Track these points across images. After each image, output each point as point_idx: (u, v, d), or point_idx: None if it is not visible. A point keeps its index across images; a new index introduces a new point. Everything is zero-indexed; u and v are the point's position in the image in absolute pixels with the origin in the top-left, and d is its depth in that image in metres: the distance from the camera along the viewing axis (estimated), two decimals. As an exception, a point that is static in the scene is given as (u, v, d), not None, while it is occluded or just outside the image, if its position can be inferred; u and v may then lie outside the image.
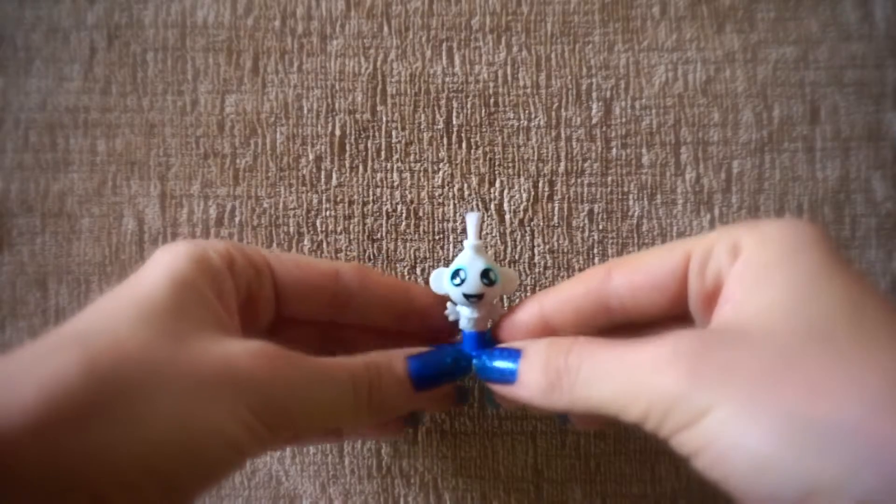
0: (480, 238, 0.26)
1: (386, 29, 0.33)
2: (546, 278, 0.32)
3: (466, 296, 0.26)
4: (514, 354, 0.24)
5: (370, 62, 0.33)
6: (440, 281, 0.26)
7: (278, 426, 0.22)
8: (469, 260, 0.26)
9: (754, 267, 0.21)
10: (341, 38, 0.33)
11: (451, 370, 0.26)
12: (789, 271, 0.20)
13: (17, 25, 0.33)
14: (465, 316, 0.27)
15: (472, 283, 0.26)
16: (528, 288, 0.32)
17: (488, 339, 0.27)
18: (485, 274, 0.26)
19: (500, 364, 0.25)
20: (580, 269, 0.32)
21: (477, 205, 0.32)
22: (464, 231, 0.32)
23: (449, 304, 0.27)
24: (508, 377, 0.24)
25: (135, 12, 0.33)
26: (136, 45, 0.33)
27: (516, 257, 0.32)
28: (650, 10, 0.33)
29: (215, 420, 0.20)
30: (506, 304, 0.32)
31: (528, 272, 0.32)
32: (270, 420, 0.21)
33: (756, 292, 0.20)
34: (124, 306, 0.21)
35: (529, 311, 0.26)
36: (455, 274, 0.26)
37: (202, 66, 0.33)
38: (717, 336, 0.20)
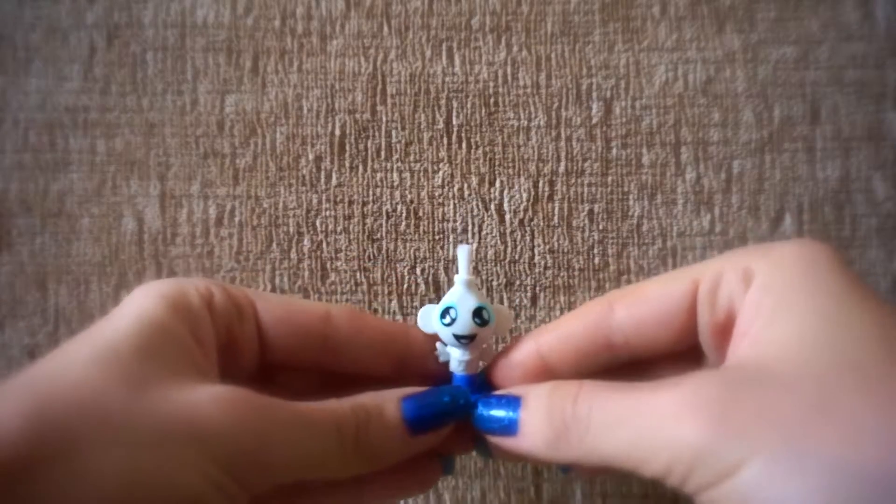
0: (472, 273, 0.24)
1: (386, 29, 0.33)
2: (546, 278, 0.32)
3: (457, 336, 0.24)
4: (514, 402, 0.22)
5: (370, 62, 0.33)
6: (429, 319, 0.25)
7: (251, 481, 0.20)
8: (459, 297, 0.24)
9: (770, 294, 0.19)
10: (341, 38, 0.33)
11: (450, 410, 0.23)
12: (810, 298, 0.19)
13: (17, 25, 0.33)
14: (455, 358, 0.25)
15: (464, 323, 0.24)
16: (528, 287, 0.32)
17: (481, 382, 0.25)
18: (477, 313, 0.24)
19: (499, 413, 0.23)
20: (580, 270, 0.32)
21: (477, 205, 0.32)
22: (464, 231, 0.32)
23: (439, 344, 0.25)
24: (508, 428, 0.22)
25: (134, 12, 0.33)
26: (135, 44, 0.33)
27: (516, 257, 0.32)
28: (650, 10, 0.33)
29: (172, 476, 0.18)
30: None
31: (528, 272, 0.32)
32: (240, 473, 0.19)
33: (776, 323, 0.19)
34: (84, 351, 0.20)
35: (525, 351, 0.24)
36: (445, 312, 0.24)
37: (202, 65, 0.33)
38: (740, 377, 0.19)
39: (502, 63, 0.33)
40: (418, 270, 0.32)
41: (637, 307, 0.22)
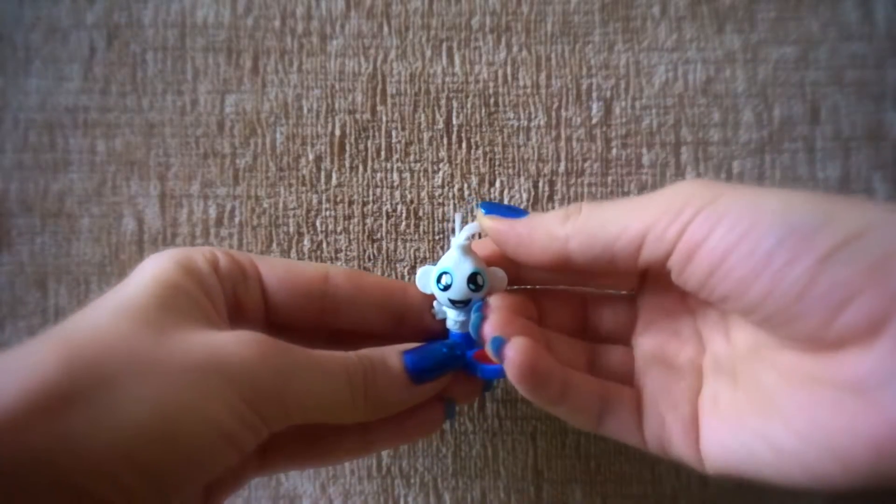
0: (469, 238, 0.25)
1: (386, 29, 0.33)
2: (546, 278, 0.32)
3: (452, 301, 0.25)
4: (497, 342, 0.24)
5: (370, 62, 0.33)
6: (426, 280, 0.26)
7: (272, 416, 0.21)
8: (455, 262, 0.25)
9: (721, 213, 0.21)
10: (341, 38, 0.33)
11: (447, 361, 0.25)
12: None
13: (17, 25, 0.33)
14: (451, 318, 0.26)
15: (459, 289, 0.25)
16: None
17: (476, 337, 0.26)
18: (472, 279, 0.25)
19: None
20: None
21: (477, 205, 0.32)
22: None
23: (436, 302, 0.26)
24: (500, 372, 0.24)
25: (134, 12, 0.33)
26: (135, 44, 0.33)
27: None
28: (650, 10, 0.33)
29: (202, 408, 0.19)
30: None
31: (528, 272, 0.32)
32: (263, 409, 0.21)
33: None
34: (107, 305, 0.21)
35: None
36: (440, 277, 0.25)
37: (202, 66, 0.33)
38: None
39: (502, 63, 0.33)
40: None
41: (590, 249, 0.23)
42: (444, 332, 0.27)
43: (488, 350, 0.24)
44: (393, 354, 0.25)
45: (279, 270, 0.26)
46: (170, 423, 0.19)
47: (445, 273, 0.25)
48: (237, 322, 0.25)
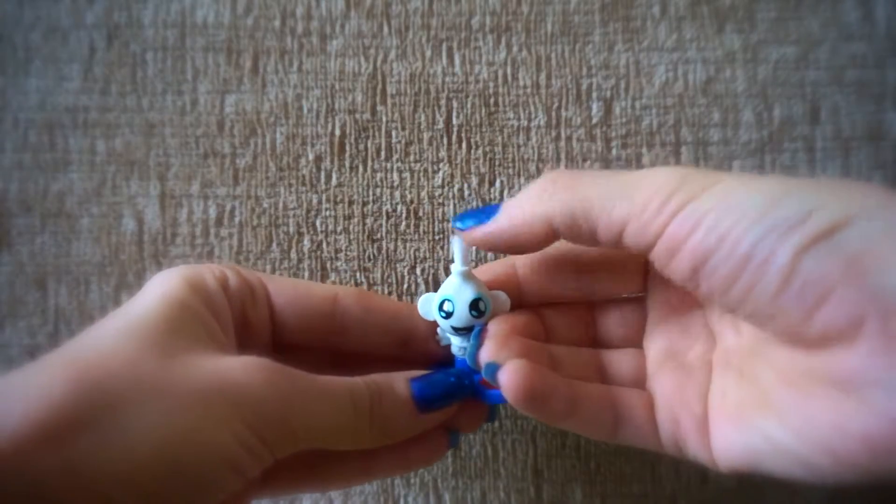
0: (468, 263, 0.25)
1: (386, 29, 0.33)
2: (546, 278, 0.32)
3: (455, 328, 0.25)
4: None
5: (370, 62, 0.33)
6: (428, 307, 0.25)
7: (276, 443, 0.21)
8: (456, 289, 0.25)
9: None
10: (341, 38, 0.33)
11: (455, 390, 0.25)
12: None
13: (16, 25, 0.33)
14: (455, 344, 0.26)
15: (461, 316, 0.24)
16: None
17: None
18: (474, 305, 0.24)
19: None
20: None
21: (477, 205, 0.32)
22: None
23: (439, 329, 0.26)
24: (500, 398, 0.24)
25: (134, 12, 0.33)
26: (135, 44, 0.33)
27: (516, 257, 0.32)
28: (650, 10, 0.33)
29: (207, 435, 0.19)
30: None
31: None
32: (268, 435, 0.21)
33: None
34: (114, 326, 0.21)
35: (500, 263, 0.27)
36: (442, 304, 0.25)
37: (202, 65, 0.33)
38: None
39: (502, 63, 0.33)
40: (418, 270, 0.32)
41: (575, 232, 0.23)
42: (451, 356, 0.26)
43: (485, 377, 0.24)
44: (400, 381, 0.24)
45: (288, 290, 0.25)
46: (175, 451, 0.19)
47: (447, 300, 0.25)
48: (244, 341, 0.24)
